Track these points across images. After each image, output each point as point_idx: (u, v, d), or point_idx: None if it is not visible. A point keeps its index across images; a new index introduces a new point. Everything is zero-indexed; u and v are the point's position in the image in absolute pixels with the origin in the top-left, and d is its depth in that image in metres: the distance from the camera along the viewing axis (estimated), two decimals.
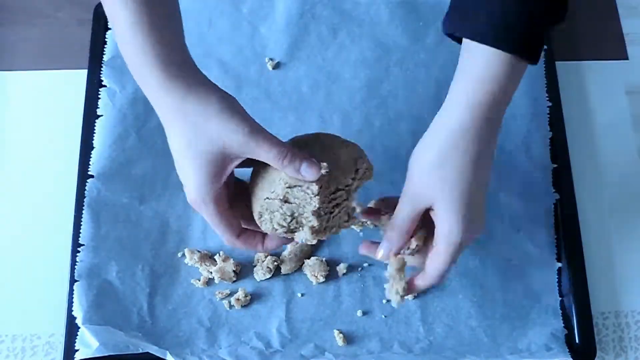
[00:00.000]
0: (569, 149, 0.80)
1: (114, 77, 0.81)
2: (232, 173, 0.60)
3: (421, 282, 0.63)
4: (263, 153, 0.57)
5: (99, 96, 0.80)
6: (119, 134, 0.78)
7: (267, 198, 0.59)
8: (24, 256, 0.75)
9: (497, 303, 0.74)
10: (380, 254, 0.64)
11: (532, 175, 0.79)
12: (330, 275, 0.74)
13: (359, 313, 0.73)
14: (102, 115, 0.79)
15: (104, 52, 0.82)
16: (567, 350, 0.71)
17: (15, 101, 0.82)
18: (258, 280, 0.74)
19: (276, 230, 0.60)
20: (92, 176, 0.76)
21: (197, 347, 0.71)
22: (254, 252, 0.74)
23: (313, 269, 0.73)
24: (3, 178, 0.79)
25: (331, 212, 0.61)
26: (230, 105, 0.57)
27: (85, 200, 0.75)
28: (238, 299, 0.72)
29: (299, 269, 0.74)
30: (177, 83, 0.56)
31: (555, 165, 0.79)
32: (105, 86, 0.80)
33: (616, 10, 0.90)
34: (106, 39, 0.83)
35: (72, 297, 0.71)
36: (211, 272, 0.73)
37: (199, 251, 0.74)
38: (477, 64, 0.57)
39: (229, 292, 0.73)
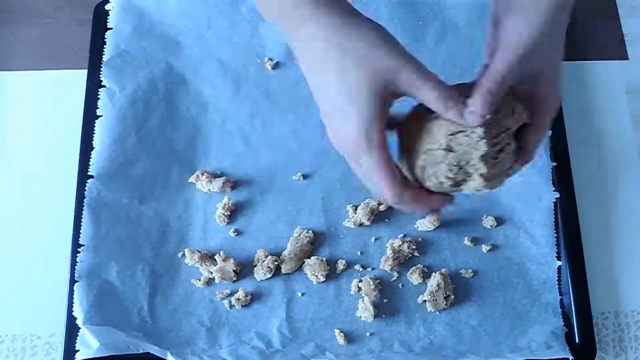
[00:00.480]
0: (569, 148, 0.80)
1: (114, 78, 0.81)
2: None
3: (524, 158, 0.58)
4: (427, 91, 0.52)
5: (99, 96, 0.80)
6: (119, 134, 0.78)
7: (429, 150, 0.55)
8: (24, 256, 0.75)
9: (497, 302, 0.74)
10: (470, 113, 0.53)
11: (532, 173, 0.79)
12: (331, 274, 0.74)
13: (359, 313, 0.73)
14: (101, 116, 0.79)
15: (104, 52, 0.82)
16: (568, 348, 0.71)
17: (15, 101, 0.82)
18: (258, 280, 0.74)
19: (442, 184, 0.56)
20: (92, 176, 0.76)
21: (198, 347, 0.70)
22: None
23: (313, 268, 0.73)
24: (3, 178, 0.79)
25: (495, 158, 0.56)
26: (389, 37, 0.53)
27: (85, 200, 0.75)
28: (238, 299, 0.72)
29: (299, 268, 0.74)
30: (331, 19, 0.52)
31: (555, 164, 0.79)
32: (104, 86, 0.80)
33: (616, 10, 0.90)
34: (105, 39, 0.83)
35: (72, 297, 0.71)
36: (211, 272, 0.73)
37: (199, 251, 0.74)
38: None
39: (229, 292, 0.73)
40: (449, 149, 0.54)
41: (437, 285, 0.72)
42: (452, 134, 0.54)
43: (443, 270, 0.74)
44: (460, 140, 0.54)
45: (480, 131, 0.53)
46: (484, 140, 0.54)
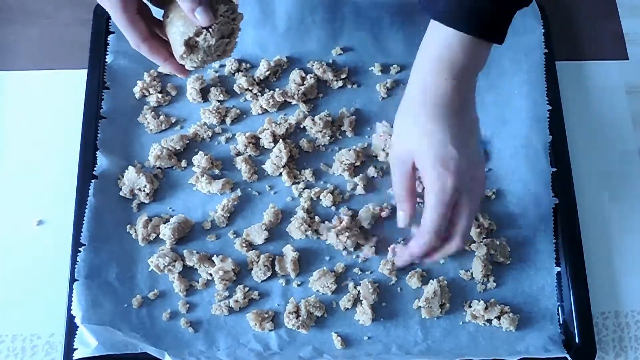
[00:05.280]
0: (569, 150, 0.80)
1: (117, 80, 0.81)
2: None
3: (415, 242, 0.67)
4: None
5: (102, 98, 0.80)
6: (121, 136, 0.79)
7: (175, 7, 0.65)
8: (24, 256, 0.76)
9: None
10: (400, 222, 0.69)
11: (532, 179, 0.78)
12: None
13: (357, 316, 0.73)
14: (105, 118, 0.79)
15: (107, 53, 0.82)
16: (565, 352, 0.71)
17: (15, 101, 0.83)
18: (258, 281, 0.74)
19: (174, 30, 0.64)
20: (95, 177, 0.76)
21: (196, 348, 0.71)
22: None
23: (322, 282, 0.73)
24: (3, 178, 0.79)
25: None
26: None
27: (86, 200, 0.75)
28: (237, 301, 0.72)
29: (299, 274, 0.74)
30: None
31: (554, 169, 0.79)
32: (108, 88, 0.80)
33: (616, 10, 0.90)
34: (108, 41, 0.82)
35: (72, 297, 0.71)
36: (210, 274, 0.73)
37: (197, 252, 0.74)
38: (435, 42, 0.63)
39: (227, 294, 0.73)
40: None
41: (434, 292, 0.72)
42: None
43: (441, 278, 0.74)
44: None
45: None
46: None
